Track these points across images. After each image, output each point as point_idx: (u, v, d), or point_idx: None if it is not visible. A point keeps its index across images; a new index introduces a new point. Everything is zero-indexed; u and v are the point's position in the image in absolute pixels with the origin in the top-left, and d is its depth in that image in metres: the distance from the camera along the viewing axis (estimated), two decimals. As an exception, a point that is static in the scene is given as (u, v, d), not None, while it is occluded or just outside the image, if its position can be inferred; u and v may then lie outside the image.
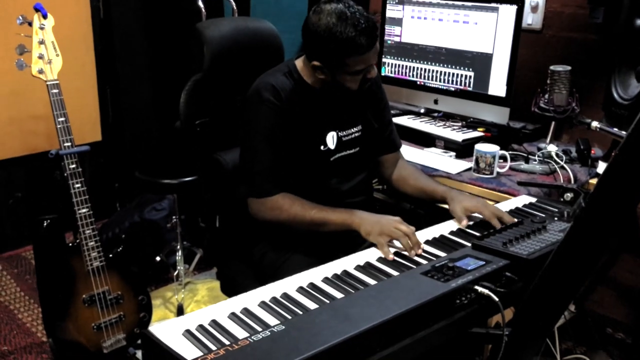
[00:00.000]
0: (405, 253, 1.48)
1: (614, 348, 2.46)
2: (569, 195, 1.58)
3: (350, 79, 1.69)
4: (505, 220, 1.64)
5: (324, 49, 1.65)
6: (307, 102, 1.76)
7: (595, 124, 1.78)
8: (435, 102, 2.61)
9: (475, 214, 1.70)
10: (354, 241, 1.84)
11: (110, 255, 2.19)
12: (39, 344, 2.52)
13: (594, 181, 2.14)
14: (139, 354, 2.34)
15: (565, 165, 2.19)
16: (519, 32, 2.29)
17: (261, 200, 1.70)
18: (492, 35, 2.36)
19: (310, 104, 1.76)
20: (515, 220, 1.63)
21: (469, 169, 2.19)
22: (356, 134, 1.87)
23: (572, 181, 2.12)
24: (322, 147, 1.79)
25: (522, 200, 1.85)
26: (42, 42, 2.04)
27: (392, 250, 1.50)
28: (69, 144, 2.06)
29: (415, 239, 1.49)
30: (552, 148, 2.27)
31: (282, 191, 1.71)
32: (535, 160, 2.25)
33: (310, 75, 1.75)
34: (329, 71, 1.69)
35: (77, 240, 2.11)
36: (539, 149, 2.31)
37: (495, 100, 2.40)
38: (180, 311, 2.71)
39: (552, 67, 2.00)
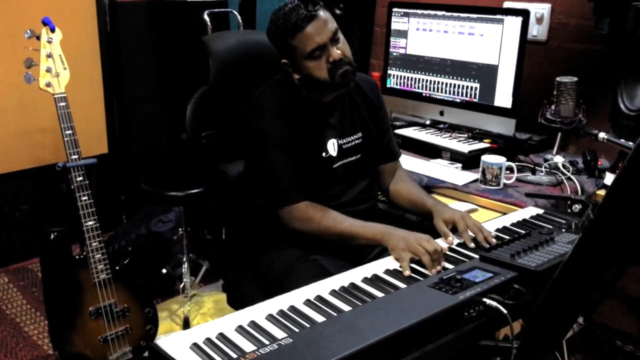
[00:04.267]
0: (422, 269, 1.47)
1: (623, 361, 2.44)
2: (577, 207, 1.57)
3: (313, 66, 1.69)
4: (479, 237, 1.58)
5: (275, 43, 1.74)
6: (305, 111, 1.77)
7: (602, 135, 1.78)
8: (441, 113, 2.61)
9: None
10: (361, 252, 1.84)
11: (117, 268, 2.19)
12: (45, 357, 2.51)
13: (601, 192, 2.13)
14: (145, 366, 2.34)
15: (572, 177, 2.19)
16: (525, 43, 2.30)
17: (289, 209, 1.71)
18: (497, 46, 2.37)
19: (308, 112, 1.77)
20: (494, 240, 1.57)
21: (476, 180, 2.19)
22: (357, 141, 1.87)
23: (579, 192, 2.12)
24: (323, 154, 1.79)
25: (529, 211, 1.84)
26: (49, 56, 2.05)
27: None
28: (76, 156, 2.07)
29: (437, 257, 1.47)
30: (559, 159, 2.26)
31: (307, 198, 1.71)
32: (542, 172, 2.24)
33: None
34: (293, 64, 1.73)
35: (84, 253, 2.11)
36: (546, 160, 2.30)
37: (501, 112, 2.40)
38: (186, 324, 2.71)
39: (558, 79, 2.01)
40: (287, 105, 1.74)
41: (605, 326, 2.55)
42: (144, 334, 2.29)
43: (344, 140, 1.83)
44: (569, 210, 1.63)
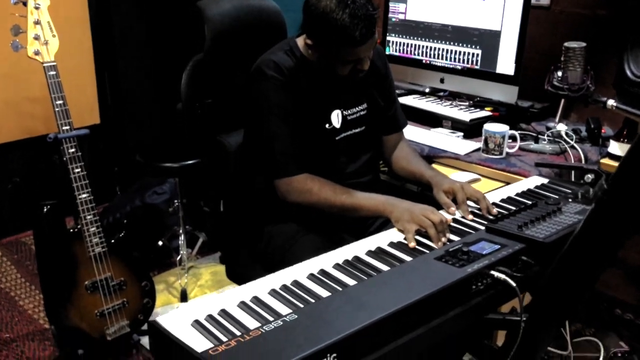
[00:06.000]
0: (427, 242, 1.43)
1: (623, 329, 2.44)
2: (589, 177, 1.53)
3: (340, 66, 1.65)
4: (482, 205, 1.56)
5: (318, 31, 1.60)
6: (310, 80, 1.71)
7: (611, 102, 1.73)
8: (442, 81, 2.56)
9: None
10: (363, 224, 1.80)
11: (112, 241, 2.15)
12: (42, 331, 2.48)
13: (605, 161, 2.09)
14: (143, 340, 2.32)
15: (575, 145, 2.15)
16: (528, 8, 2.23)
17: (287, 181, 1.66)
18: (500, 11, 2.30)
19: (313, 81, 1.71)
20: (495, 210, 1.55)
21: (478, 149, 2.14)
22: (361, 113, 1.82)
23: (583, 161, 2.08)
24: (327, 126, 1.74)
25: (534, 181, 1.80)
26: (37, 23, 1.97)
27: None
28: (68, 127, 2.01)
29: (442, 228, 1.43)
30: (562, 127, 2.22)
31: (306, 170, 1.66)
32: (544, 140, 2.20)
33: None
34: (319, 53, 1.65)
35: (78, 226, 2.07)
36: (548, 129, 2.26)
37: (503, 79, 2.35)
38: (184, 296, 2.68)
39: (566, 44, 1.95)
40: (292, 73, 1.67)
41: (605, 295, 2.55)
42: (141, 307, 2.26)
43: (349, 112, 1.78)
44: (582, 181, 1.59)
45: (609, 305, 2.53)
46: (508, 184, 1.89)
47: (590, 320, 2.47)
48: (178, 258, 2.77)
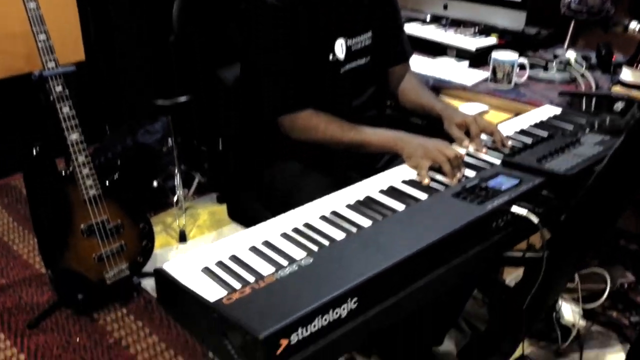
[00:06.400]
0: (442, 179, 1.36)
1: (629, 260, 2.43)
2: (619, 106, 1.46)
3: None
4: (497, 138, 1.49)
5: None
6: (311, 6, 1.58)
7: (634, 24, 1.63)
8: (445, 7, 2.43)
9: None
10: (370, 160, 1.73)
11: (107, 183, 2.07)
12: (38, 276, 2.43)
13: (616, 88, 2.01)
14: (143, 282, 2.28)
15: (585, 73, 2.06)
16: None
17: (291, 117, 1.56)
18: None
19: (314, 7, 1.59)
20: (509, 143, 1.49)
21: (486, 79, 2.05)
22: (367, 42, 1.70)
23: (594, 89, 2.00)
24: (330, 57, 1.63)
25: (546, 111, 1.73)
26: (12, -50, 1.82)
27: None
28: (53, 64, 1.90)
29: (457, 164, 1.35)
30: (571, 54, 2.12)
31: (310, 104, 1.57)
32: (553, 68, 2.11)
33: None
34: None
35: (70, 169, 1.98)
36: (556, 56, 2.16)
37: (509, 4, 2.23)
38: (182, 237, 2.63)
39: (584, -36, 1.84)
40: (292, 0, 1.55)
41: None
42: (140, 249, 2.21)
43: (354, 41, 1.66)
44: (614, 109, 1.50)
45: (614, 235, 2.51)
46: (517, 114, 1.81)
47: (594, 252, 2.45)
48: (175, 199, 2.70)
